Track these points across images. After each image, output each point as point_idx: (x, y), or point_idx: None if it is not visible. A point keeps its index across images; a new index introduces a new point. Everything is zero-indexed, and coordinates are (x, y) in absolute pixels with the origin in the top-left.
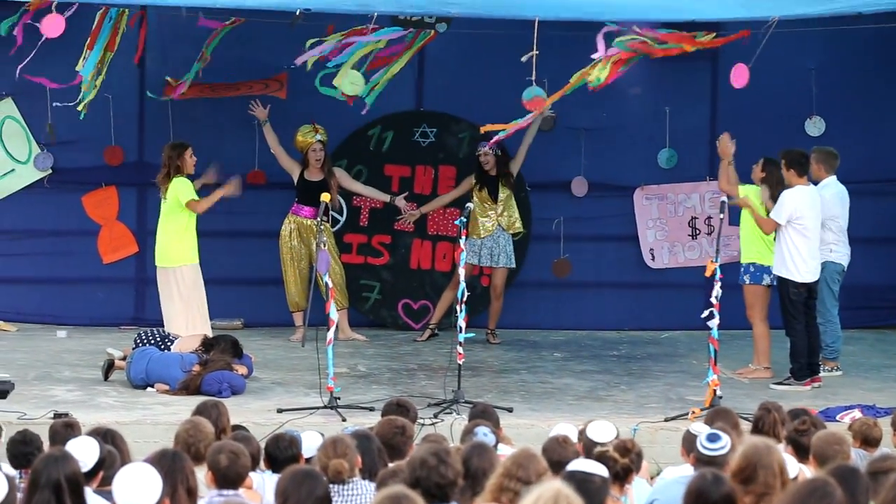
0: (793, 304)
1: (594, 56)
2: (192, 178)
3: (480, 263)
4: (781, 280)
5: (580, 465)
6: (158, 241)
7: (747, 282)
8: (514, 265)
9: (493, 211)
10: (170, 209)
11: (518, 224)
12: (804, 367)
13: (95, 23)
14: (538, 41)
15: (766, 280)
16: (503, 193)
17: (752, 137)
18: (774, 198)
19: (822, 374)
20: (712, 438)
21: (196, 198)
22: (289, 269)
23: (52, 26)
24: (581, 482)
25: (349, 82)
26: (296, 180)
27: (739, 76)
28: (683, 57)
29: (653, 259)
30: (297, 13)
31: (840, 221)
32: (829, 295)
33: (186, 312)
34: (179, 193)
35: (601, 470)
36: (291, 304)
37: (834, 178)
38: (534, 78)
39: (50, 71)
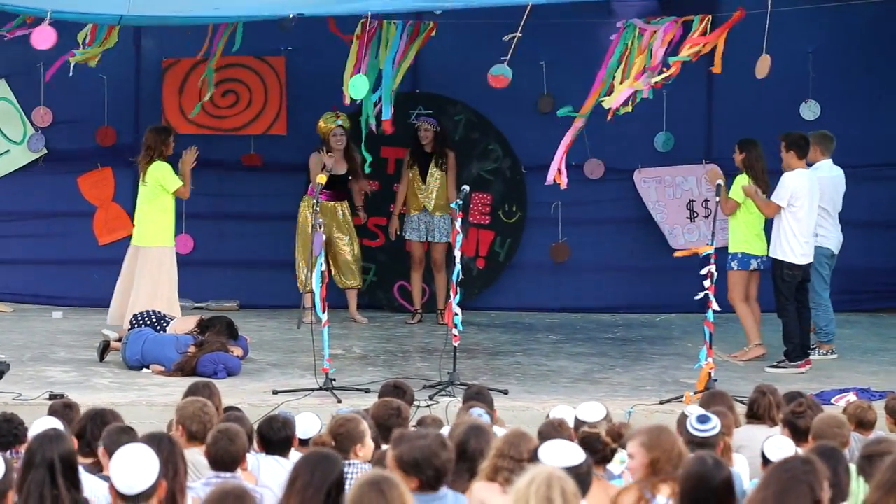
0: (786, 285)
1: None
2: (170, 159)
3: (419, 239)
4: (776, 262)
5: (554, 452)
6: (137, 221)
7: (735, 268)
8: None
9: (421, 192)
10: (151, 192)
11: (447, 208)
12: (797, 347)
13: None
14: (530, 26)
15: (754, 265)
16: (433, 175)
17: (748, 121)
18: (758, 178)
19: (817, 356)
20: (702, 420)
21: (180, 184)
22: (300, 250)
23: (43, 38)
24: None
25: (352, 86)
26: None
27: (762, 67)
28: (680, 38)
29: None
30: (290, 17)
31: (829, 205)
32: (818, 279)
33: (154, 293)
34: (164, 180)
35: (578, 456)
36: (300, 284)
37: (829, 161)
38: (507, 59)
39: (44, 53)
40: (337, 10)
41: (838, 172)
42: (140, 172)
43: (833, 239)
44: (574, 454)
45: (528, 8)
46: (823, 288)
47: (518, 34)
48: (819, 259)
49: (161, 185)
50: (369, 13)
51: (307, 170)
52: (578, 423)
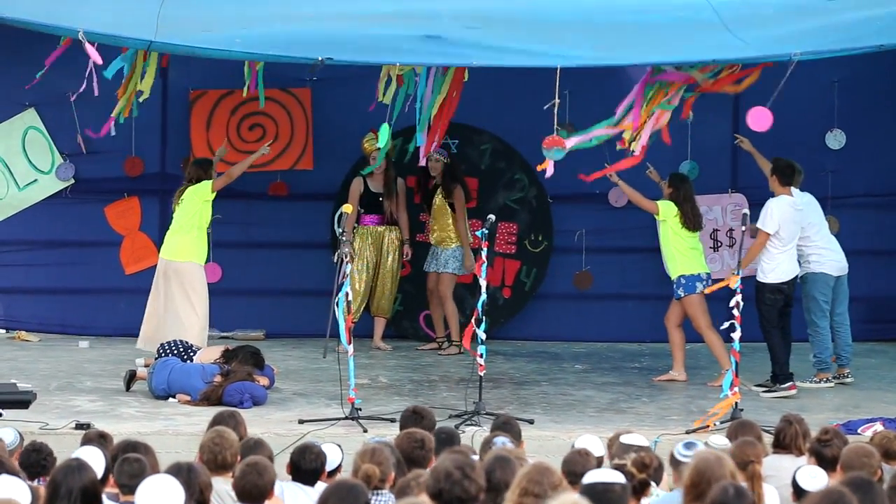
0: (768, 309)
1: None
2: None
3: (431, 270)
4: (757, 287)
5: (597, 475)
6: (169, 234)
7: (682, 294)
8: (458, 272)
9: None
10: (183, 210)
11: (451, 241)
12: (785, 367)
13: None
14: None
15: (700, 287)
16: (437, 203)
17: (773, 151)
18: (685, 215)
19: (811, 385)
20: (688, 446)
21: (214, 179)
22: (355, 280)
23: (94, 53)
24: (601, 493)
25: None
26: (359, 195)
27: (759, 119)
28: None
29: None
30: (319, 60)
31: (822, 229)
32: (815, 305)
33: (188, 309)
34: (198, 193)
35: (619, 478)
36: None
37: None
38: (555, 126)
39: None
40: (365, 60)
41: (808, 199)
42: (175, 202)
43: (830, 263)
44: (615, 475)
45: (559, 72)
46: (821, 316)
47: (556, 101)
48: (818, 285)
49: (202, 198)
50: (398, 64)
51: (335, 198)
52: (622, 450)
